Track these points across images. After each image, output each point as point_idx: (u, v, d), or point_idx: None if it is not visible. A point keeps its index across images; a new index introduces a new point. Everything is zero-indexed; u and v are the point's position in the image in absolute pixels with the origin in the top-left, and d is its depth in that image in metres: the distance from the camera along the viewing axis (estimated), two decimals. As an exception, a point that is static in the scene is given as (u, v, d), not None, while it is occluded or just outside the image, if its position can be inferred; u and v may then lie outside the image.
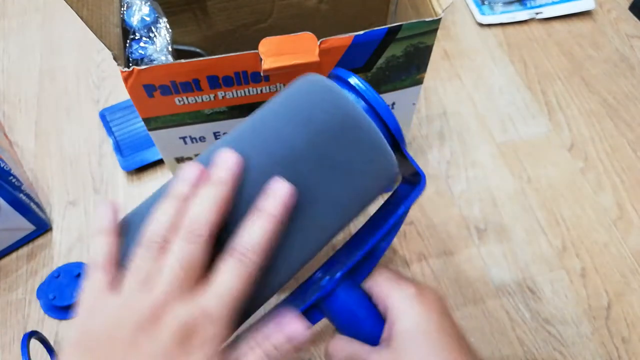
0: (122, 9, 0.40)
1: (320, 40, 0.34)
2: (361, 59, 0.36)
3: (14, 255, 0.53)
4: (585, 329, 0.48)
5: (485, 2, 0.73)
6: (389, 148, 0.28)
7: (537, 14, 0.72)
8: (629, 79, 0.66)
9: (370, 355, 0.28)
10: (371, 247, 0.30)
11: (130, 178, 0.58)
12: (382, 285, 0.29)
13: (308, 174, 0.26)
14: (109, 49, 0.33)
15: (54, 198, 0.57)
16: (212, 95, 0.36)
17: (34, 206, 0.52)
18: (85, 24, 0.32)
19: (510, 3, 0.73)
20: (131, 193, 0.57)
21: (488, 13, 0.72)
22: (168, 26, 0.42)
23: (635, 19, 0.72)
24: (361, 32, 0.34)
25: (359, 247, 0.31)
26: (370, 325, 0.29)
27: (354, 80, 0.30)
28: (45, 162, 0.60)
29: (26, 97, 0.66)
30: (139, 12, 0.40)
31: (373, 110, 0.29)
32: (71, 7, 0.31)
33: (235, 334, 0.26)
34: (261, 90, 0.37)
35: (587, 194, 0.57)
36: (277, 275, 0.27)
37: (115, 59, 0.33)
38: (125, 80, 0.33)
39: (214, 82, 0.35)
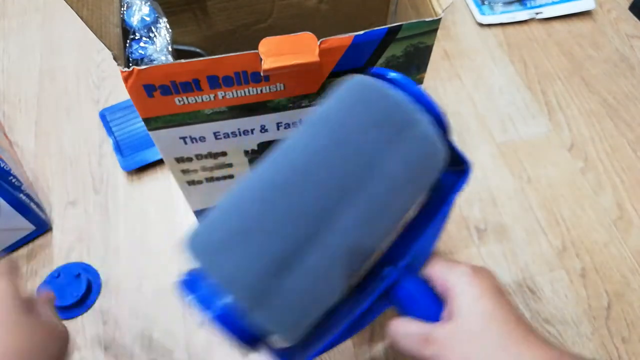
0: (122, 9, 0.40)
1: (320, 40, 0.34)
2: (361, 59, 0.36)
3: (14, 255, 0.53)
4: (585, 329, 0.48)
5: (485, 2, 0.73)
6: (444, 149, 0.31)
7: (537, 14, 0.72)
8: (629, 79, 0.66)
9: (434, 329, 0.29)
10: (427, 236, 0.31)
11: (130, 178, 0.58)
12: (439, 270, 0.31)
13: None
14: (109, 49, 0.33)
15: (54, 198, 0.57)
16: (212, 95, 0.36)
17: (34, 206, 0.52)
18: (85, 24, 0.32)
19: (510, 3, 0.73)
20: (131, 193, 0.57)
21: (488, 13, 0.72)
22: (168, 26, 0.42)
23: (635, 19, 0.72)
24: (361, 32, 0.34)
25: (414, 237, 0.32)
26: (431, 307, 0.31)
27: (392, 75, 0.32)
28: (45, 162, 0.60)
29: (26, 97, 0.66)
30: (139, 12, 0.40)
31: (419, 103, 0.30)
32: (71, 7, 0.31)
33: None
34: (261, 90, 0.37)
35: (587, 194, 0.57)
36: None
37: (115, 59, 0.33)
38: (125, 80, 0.33)
39: (214, 82, 0.35)
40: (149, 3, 0.41)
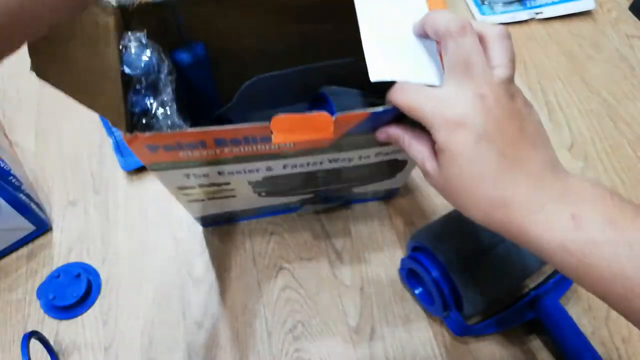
0: (121, 54, 0.37)
1: (335, 116, 0.32)
2: (377, 126, 0.36)
3: (14, 255, 0.53)
4: (585, 329, 0.48)
5: (485, 2, 0.73)
6: None
7: (537, 14, 0.72)
8: (629, 79, 0.66)
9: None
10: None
11: (130, 178, 0.58)
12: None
13: None
14: (113, 124, 0.32)
15: (54, 198, 0.57)
16: (218, 150, 0.35)
17: (34, 206, 0.52)
18: (89, 108, 0.31)
19: (510, 3, 0.73)
20: (131, 193, 0.57)
21: (488, 13, 0.72)
22: (170, 71, 0.39)
23: (635, 19, 0.72)
24: (380, 109, 0.33)
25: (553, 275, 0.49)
26: (568, 319, 0.46)
27: None
28: (45, 162, 0.60)
29: (26, 97, 0.66)
30: (139, 57, 0.37)
31: None
32: (69, 95, 0.30)
33: None
34: (270, 147, 0.35)
35: (587, 194, 0.57)
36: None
37: (115, 125, 0.32)
38: (129, 142, 0.32)
39: (221, 143, 0.34)
40: (148, 50, 0.37)
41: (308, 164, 0.40)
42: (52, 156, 0.60)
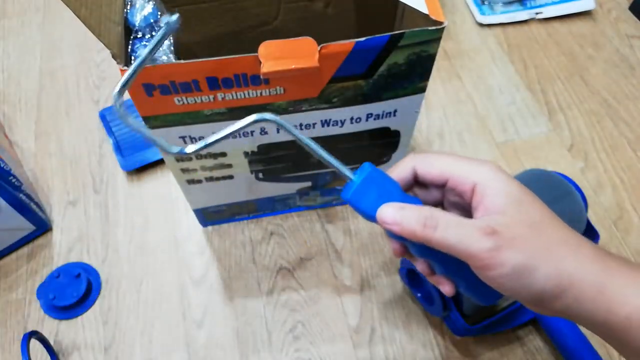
0: (126, 8, 0.40)
1: (321, 45, 0.34)
2: (362, 66, 0.36)
3: (14, 255, 0.53)
4: (585, 329, 0.48)
5: (485, 2, 0.73)
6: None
7: (537, 14, 0.72)
8: (629, 79, 0.66)
9: (495, 220, 0.27)
10: None
11: (130, 178, 0.58)
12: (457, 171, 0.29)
13: None
14: (107, 47, 0.33)
15: (54, 198, 0.57)
16: (211, 96, 0.36)
17: (34, 206, 0.52)
18: (83, 23, 0.32)
19: (510, 3, 0.73)
20: (131, 193, 0.57)
21: (488, 13, 0.72)
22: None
23: (635, 19, 0.72)
24: (362, 39, 0.34)
25: None
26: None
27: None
28: (45, 162, 0.60)
29: (26, 97, 0.66)
30: (142, 10, 0.40)
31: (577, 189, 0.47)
32: (68, 6, 0.31)
33: None
34: (261, 93, 0.37)
35: (587, 194, 0.56)
36: None
37: (114, 57, 0.33)
38: None
39: (213, 84, 0.35)
40: (152, 2, 0.40)
41: (301, 125, 0.41)
42: (52, 156, 0.60)
